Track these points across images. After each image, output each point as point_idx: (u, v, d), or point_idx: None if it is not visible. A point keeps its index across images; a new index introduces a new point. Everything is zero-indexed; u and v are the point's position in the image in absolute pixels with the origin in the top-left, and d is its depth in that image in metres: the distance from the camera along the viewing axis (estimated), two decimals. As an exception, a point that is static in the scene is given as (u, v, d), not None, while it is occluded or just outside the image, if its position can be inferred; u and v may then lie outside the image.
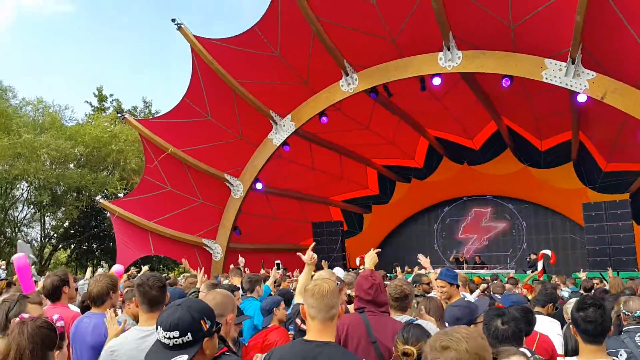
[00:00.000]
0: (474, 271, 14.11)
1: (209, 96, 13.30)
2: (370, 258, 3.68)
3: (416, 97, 13.17)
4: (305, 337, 2.35)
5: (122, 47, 79.41)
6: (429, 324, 3.33)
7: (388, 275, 9.80)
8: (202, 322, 1.90)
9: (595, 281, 8.37)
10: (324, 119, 13.51)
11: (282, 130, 13.92)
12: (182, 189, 14.37)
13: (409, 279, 6.40)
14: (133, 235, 14.01)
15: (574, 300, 4.18)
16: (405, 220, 20.42)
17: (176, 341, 1.86)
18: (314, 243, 4.12)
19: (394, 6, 10.60)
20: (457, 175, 17.81)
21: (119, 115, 16.11)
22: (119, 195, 22.35)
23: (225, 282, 6.45)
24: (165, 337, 1.87)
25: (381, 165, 18.29)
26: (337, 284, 3.10)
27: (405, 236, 20.41)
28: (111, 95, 28.61)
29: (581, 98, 10.32)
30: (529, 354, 2.84)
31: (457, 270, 5.33)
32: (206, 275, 7.42)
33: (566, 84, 9.96)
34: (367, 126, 15.96)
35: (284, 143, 14.11)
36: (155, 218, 14.16)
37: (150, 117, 22.81)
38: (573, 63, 9.70)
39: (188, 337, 1.86)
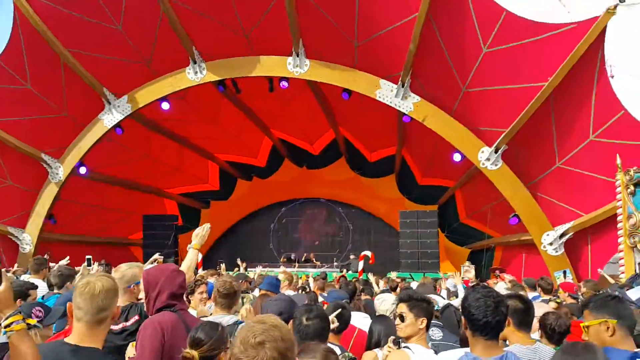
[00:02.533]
0: (303, 270, 14.79)
1: (30, 62, 11.53)
2: (200, 237, 3.33)
3: (264, 97, 13.31)
4: (66, 339, 2.07)
5: None
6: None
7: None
8: None
9: (397, 280, 9.42)
10: (166, 105, 12.81)
11: (116, 111, 12.76)
12: (-14, 167, 12.22)
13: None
14: None
15: (382, 296, 4.66)
16: (244, 217, 20.49)
17: None
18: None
19: (250, 2, 10.59)
20: (296, 178, 18.51)
21: None
22: None
23: (25, 277, 5.58)
24: None
25: (224, 160, 18.05)
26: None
27: (242, 234, 20.45)
28: None
29: (406, 118, 11.57)
30: (338, 351, 3.00)
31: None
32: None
33: (395, 105, 10.98)
34: (211, 119, 15.60)
35: (117, 125, 12.97)
36: (-54, 200, 11.79)
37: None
38: (403, 86, 10.72)
39: None
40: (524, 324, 2.82)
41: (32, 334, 2.62)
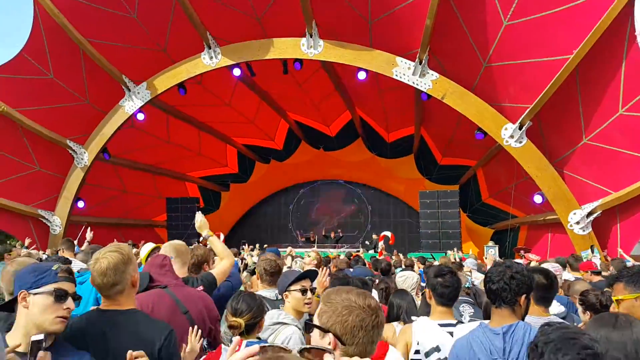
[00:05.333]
0: (323, 250, 14.87)
1: (52, 53, 11.74)
2: (203, 224, 3.51)
3: (278, 80, 13.22)
4: (101, 307, 2.15)
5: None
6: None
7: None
8: None
9: (412, 259, 9.36)
10: (182, 90, 12.87)
11: (136, 98, 12.90)
12: (16, 153, 12.54)
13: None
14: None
15: (404, 273, 4.67)
16: (263, 199, 20.66)
17: None
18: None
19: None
20: (314, 159, 18.49)
21: None
22: None
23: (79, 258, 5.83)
24: None
25: (242, 144, 18.14)
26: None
27: (261, 215, 20.66)
28: None
29: (424, 96, 11.28)
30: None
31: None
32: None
33: (413, 82, 10.69)
34: (228, 103, 15.63)
35: (138, 112, 13.12)
36: (-20, 185, 12.19)
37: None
38: (420, 63, 10.42)
39: None
40: (543, 299, 2.79)
41: None
